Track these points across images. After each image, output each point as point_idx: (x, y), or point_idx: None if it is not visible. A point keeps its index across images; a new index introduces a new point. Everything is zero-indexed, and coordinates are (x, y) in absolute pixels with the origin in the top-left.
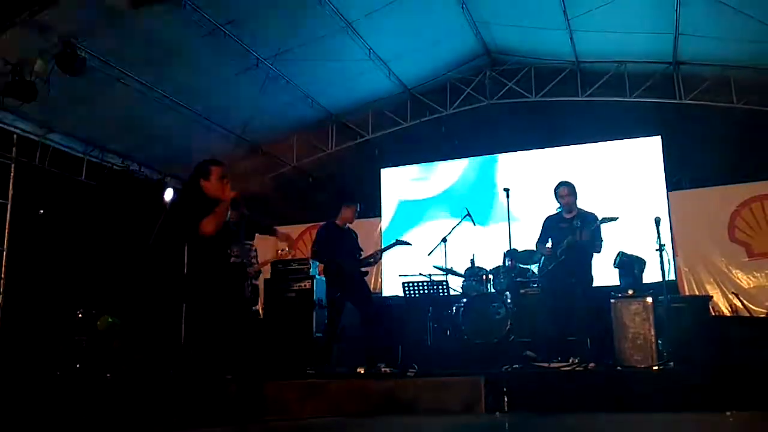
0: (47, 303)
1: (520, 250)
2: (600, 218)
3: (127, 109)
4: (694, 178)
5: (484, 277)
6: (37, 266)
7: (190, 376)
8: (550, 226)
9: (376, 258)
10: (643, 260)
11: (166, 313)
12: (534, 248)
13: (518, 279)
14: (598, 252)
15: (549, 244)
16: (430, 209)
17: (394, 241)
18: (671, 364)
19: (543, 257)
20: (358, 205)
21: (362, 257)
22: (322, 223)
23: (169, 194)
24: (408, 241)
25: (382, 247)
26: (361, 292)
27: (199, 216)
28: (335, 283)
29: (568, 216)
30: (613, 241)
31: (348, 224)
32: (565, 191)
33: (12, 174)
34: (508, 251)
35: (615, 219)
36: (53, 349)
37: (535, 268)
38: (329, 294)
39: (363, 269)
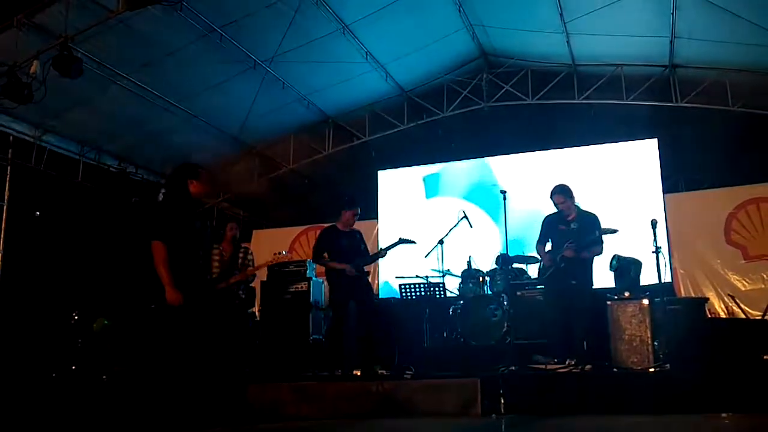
0: (43, 304)
1: (512, 255)
2: (600, 230)
3: (123, 110)
4: (690, 181)
5: (481, 279)
6: (33, 268)
7: (184, 379)
8: (550, 226)
9: (380, 255)
10: (640, 262)
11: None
12: (530, 254)
13: (515, 281)
14: (600, 254)
15: (549, 247)
16: (426, 210)
17: (397, 239)
18: (667, 365)
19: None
20: (358, 208)
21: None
22: (323, 226)
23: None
24: (411, 239)
25: (384, 246)
26: (362, 292)
27: (182, 214)
28: (337, 285)
29: (567, 218)
30: (610, 244)
31: (350, 226)
32: (561, 198)
33: (8, 176)
34: (499, 256)
35: (614, 231)
36: (49, 350)
37: (530, 270)
38: (332, 297)
39: (364, 268)
